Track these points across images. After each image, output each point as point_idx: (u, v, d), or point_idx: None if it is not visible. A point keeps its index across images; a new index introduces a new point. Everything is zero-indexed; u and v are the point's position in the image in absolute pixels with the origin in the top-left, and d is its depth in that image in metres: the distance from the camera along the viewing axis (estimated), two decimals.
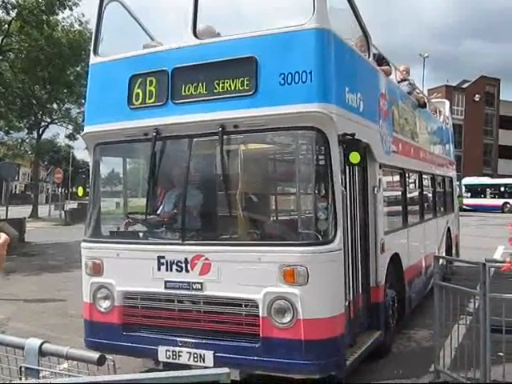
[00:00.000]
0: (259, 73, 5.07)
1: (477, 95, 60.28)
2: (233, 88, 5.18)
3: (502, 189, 47.84)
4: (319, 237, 4.95)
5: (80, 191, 6.26)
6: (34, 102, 39.13)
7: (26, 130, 43.95)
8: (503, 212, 45.24)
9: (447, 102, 13.92)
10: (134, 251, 5.54)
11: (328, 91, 5.01)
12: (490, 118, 66.57)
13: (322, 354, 4.90)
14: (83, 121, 28.80)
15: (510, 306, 5.10)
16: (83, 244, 5.92)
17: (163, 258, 5.30)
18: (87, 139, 6.00)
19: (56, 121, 47.20)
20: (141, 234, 5.90)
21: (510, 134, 67.59)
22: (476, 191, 47.33)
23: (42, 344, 2.75)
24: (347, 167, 5.42)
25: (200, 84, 5.33)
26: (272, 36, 5.16)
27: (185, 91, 5.39)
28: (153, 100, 5.56)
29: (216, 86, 5.26)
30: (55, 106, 44.37)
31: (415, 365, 6.24)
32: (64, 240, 24.46)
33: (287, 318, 4.85)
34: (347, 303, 5.30)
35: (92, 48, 6.06)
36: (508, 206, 46.50)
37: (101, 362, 2.64)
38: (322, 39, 5.01)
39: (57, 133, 52.57)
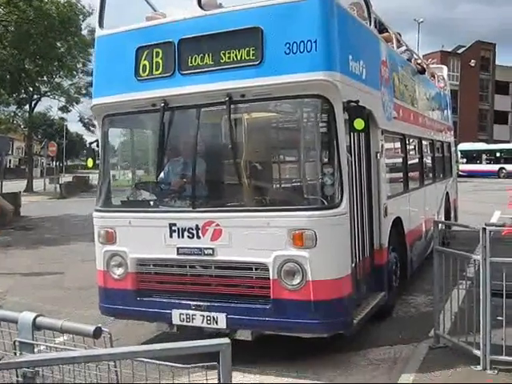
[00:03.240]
0: (265, 43, 5.21)
1: (472, 60, 60.09)
2: (239, 58, 5.32)
3: (498, 154, 48.07)
4: (326, 201, 5.16)
5: (90, 162, 6.45)
6: (24, 75, 38.79)
7: (17, 105, 43.79)
8: (499, 177, 45.51)
9: (445, 68, 14.08)
10: (145, 219, 5.76)
11: (332, 59, 5.17)
12: (485, 83, 66.56)
13: (331, 313, 5.16)
14: (75, 93, 28.66)
15: (510, 270, 5.08)
16: (95, 214, 6.13)
17: (175, 225, 5.51)
18: (95, 111, 6.16)
19: (48, 93, 46.98)
20: (152, 203, 6.09)
21: (505, 99, 67.74)
22: (472, 157, 47.57)
23: (35, 318, 2.70)
24: (351, 133, 5.59)
25: (206, 55, 5.46)
26: (277, 6, 5.29)
27: (191, 62, 5.53)
28: (160, 71, 5.70)
29: (222, 56, 5.39)
30: (45, 79, 44.12)
31: (415, 329, 6.33)
32: (59, 213, 24.69)
33: (297, 280, 5.08)
34: (353, 265, 5.54)
35: (97, 21, 6.15)
36: (504, 171, 46.75)
37: (97, 334, 2.60)
38: (326, 8, 5.15)
39: (49, 106, 52.02)
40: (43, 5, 32.03)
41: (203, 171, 5.72)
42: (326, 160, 5.22)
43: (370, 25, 6.55)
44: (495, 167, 47.32)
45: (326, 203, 5.15)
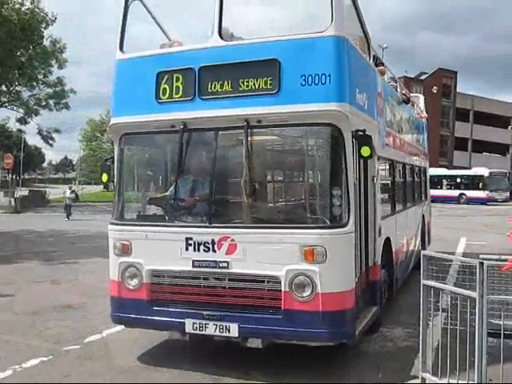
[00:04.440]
0: (282, 74, 5.82)
1: (434, 87, 62.36)
2: (257, 86, 5.91)
3: (458, 180, 50.12)
4: (335, 221, 5.77)
5: (104, 177, 6.93)
6: None
7: None
8: (459, 203, 47.45)
9: (421, 97, 15.12)
10: (162, 233, 6.24)
11: (344, 92, 5.81)
12: (446, 109, 69.21)
13: (337, 323, 5.74)
14: (35, 104, 28.64)
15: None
16: (111, 227, 6.58)
17: (191, 239, 6.02)
18: (114, 130, 6.66)
19: (6, 104, 46.45)
20: (168, 218, 6.55)
21: (465, 126, 70.52)
22: (433, 182, 49.14)
23: None
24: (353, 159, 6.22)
25: (226, 82, 6.04)
26: (294, 41, 5.92)
27: (211, 88, 6.09)
28: (180, 95, 6.24)
29: (241, 84, 5.97)
30: (4, 88, 43.68)
31: (394, 367, 6.13)
32: (13, 229, 24.49)
33: (307, 292, 5.65)
34: (356, 280, 6.14)
35: (118, 45, 6.65)
36: (464, 197, 48.76)
37: None
38: (339, 46, 5.80)
39: (7, 117, 51.43)
40: (3, 10, 31.86)
41: (220, 189, 6.27)
42: (335, 183, 5.83)
43: (370, 59, 7.28)
44: (455, 193, 49.30)
45: (335, 222, 5.76)
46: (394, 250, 8.10)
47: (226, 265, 5.91)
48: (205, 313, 5.98)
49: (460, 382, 5.01)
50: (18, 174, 57.69)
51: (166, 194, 6.60)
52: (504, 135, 74.21)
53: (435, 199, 46.22)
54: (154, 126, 6.36)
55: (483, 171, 49.10)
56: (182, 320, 6.04)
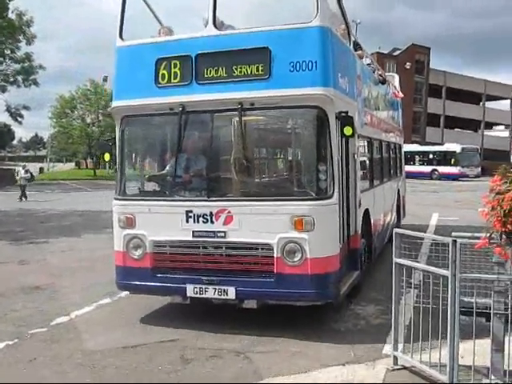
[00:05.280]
0: (272, 61, 6.53)
1: (407, 63, 63.31)
2: (249, 72, 6.62)
3: (431, 156, 51.47)
4: (322, 193, 6.54)
5: (106, 157, 7.58)
6: None
7: None
8: (432, 179, 48.82)
9: (396, 76, 15.97)
10: (164, 207, 6.96)
11: (328, 77, 6.55)
12: (419, 86, 70.37)
13: (324, 285, 6.56)
14: (2, 80, 29.37)
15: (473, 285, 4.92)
16: (115, 202, 7.26)
17: (191, 212, 6.75)
18: (116, 112, 7.30)
19: None
20: (169, 193, 7.25)
21: (437, 102, 71.88)
22: (406, 158, 50.25)
23: None
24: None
25: (221, 68, 6.73)
26: (283, 31, 6.63)
27: (207, 73, 6.78)
28: (178, 80, 6.91)
29: (235, 70, 6.67)
30: None
31: (367, 345, 6.20)
32: None
33: (297, 257, 6.44)
34: (340, 246, 6.96)
35: (118, 32, 7.27)
36: (436, 173, 50.17)
37: None
38: (324, 35, 6.53)
39: None
40: None
41: (216, 166, 7.02)
42: (321, 159, 6.59)
43: (350, 45, 8.02)
44: (428, 169, 50.65)
45: (321, 195, 6.54)
46: (372, 221, 8.94)
47: (223, 234, 6.66)
48: (204, 278, 6.74)
49: (432, 360, 5.11)
50: None
51: (167, 170, 7.29)
52: (476, 111, 75.99)
53: (408, 175, 46.68)
54: (153, 109, 7.02)
55: (455, 147, 50.44)
56: (184, 285, 6.80)
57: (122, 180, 7.38)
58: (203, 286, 6.74)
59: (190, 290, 6.79)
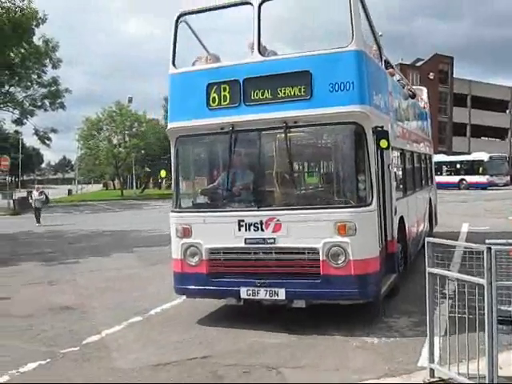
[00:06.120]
0: (313, 82, 7.33)
1: (431, 73, 64.00)
2: (293, 94, 7.43)
3: (458, 166, 51.64)
4: (362, 201, 7.30)
5: (163, 173, 8.47)
6: None
7: None
8: (459, 189, 48.98)
9: (424, 89, 16.75)
10: (218, 217, 7.78)
11: (364, 96, 7.33)
12: (443, 96, 70.83)
13: (366, 284, 7.29)
14: (30, 105, 30.03)
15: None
16: (172, 214, 8.11)
17: (243, 221, 7.55)
18: (171, 133, 8.15)
19: (1, 105, 47.57)
20: (222, 204, 8.07)
21: (463, 111, 72.17)
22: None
23: None
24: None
25: (266, 90, 7.55)
26: (322, 55, 7.44)
27: (254, 96, 7.61)
28: (227, 102, 7.74)
29: (279, 92, 7.49)
30: None
31: (402, 358, 6.20)
32: (11, 231, 25.19)
33: (341, 260, 7.17)
34: (380, 249, 7.68)
35: (171, 60, 8.15)
36: (464, 182, 50.32)
37: None
38: (360, 58, 7.32)
39: (3, 118, 52.50)
40: None
41: (264, 179, 7.85)
42: (360, 171, 7.36)
43: (382, 64, 8.82)
44: (456, 179, 50.75)
45: (362, 202, 7.29)
46: (406, 227, 9.65)
47: (273, 241, 7.43)
48: (256, 281, 7.51)
49: (469, 371, 4.99)
50: (16, 175, 59.03)
51: (219, 184, 8.13)
52: (502, 119, 76.08)
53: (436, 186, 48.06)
54: (205, 129, 7.87)
55: (483, 156, 50.53)
56: (237, 288, 7.58)
57: (178, 194, 8.23)
58: (255, 289, 7.50)
59: (244, 292, 7.56)
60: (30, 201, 31.11)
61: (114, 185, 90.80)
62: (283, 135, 7.46)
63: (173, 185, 8.28)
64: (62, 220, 31.55)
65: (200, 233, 7.82)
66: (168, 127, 8.24)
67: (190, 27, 8.69)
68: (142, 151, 64.93)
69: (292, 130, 7.55)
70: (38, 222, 28.15)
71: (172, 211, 8.16)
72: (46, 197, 31.45)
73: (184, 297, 8.94)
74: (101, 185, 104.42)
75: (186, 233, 7.91)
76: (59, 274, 13.05)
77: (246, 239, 7.56)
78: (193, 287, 7.95)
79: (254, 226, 7.51)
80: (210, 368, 6.21)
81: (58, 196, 63.33)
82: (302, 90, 7.39)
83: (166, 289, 10.03)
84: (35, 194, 29.67)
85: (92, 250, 17.27)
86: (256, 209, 7.61)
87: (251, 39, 7.75)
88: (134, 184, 72.12)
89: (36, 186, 35.51)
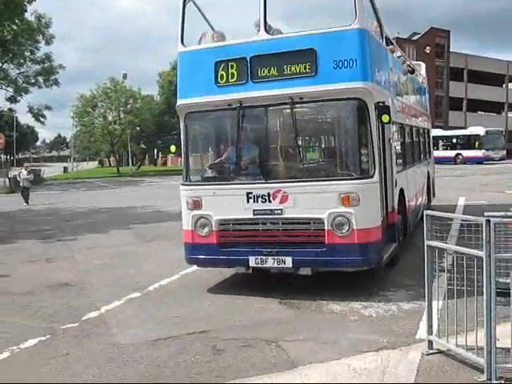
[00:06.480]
0: (318, 60, 7.69)
1: (427, 47, 64.05)
2: (298, 71, 7.79)
3: (454, 140, 52.14)
4: (365, 173, 7.72)
5: (172, 148, 8.86)
6: None
7: None
8: (455, 163, 49.55)
9: (423, 65, 17.11)
10: (227, 190, 8.18)
11: (367, 73, 7.71)
12: (440, 70, 70.96)
13: (369, 252, 7.74)
14: (23, 82, 30.20)
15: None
16: (183, 187, 8.52)
17: (251, 193, 7.96)
18: (181, 110, 8.52)
19: None
20: (231, 178, 8.48)
21: (459, 85, 72.36)
22: None
23: None
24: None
25: (272, 68, 7.90)
26: (326, 33, 7.80)
27: (261, 73, 7.96)
28: (235, 79, 8.10)
29: (285, 69, 7.85)
30: None
31: (400, 331, 6.29)
32: (7, 209, 25.35)
33: (345, 229, 7.60)
34: (381, 219, 8.13)
35: (179, 39, 8.49)
36: (460, 157, 50.87)
37: None
38: (363, 36, 7.68)
39: None
40: None
41: (271, 153, 8.25)
42: (363, 144, 7.78)
43: (383, 41, 9.18)
44: (452, 153, 51.28)
45: (364, 174, 7.71)
46: (406, 199, 10.10)
47: (280, 212, 7.86)
48: (264, 250, 7.95)
49: (468, 343, 5.06)
50: (11, 154, 59.14)
51: (228, 158, 8.53)
52: (498, 93, 76.36)
53: None
54: (213, 105, 8.24)
55: (479, 130, 50.99)
56: (246, 257, 8.02)
57: (188, 168, 8.64)
58: (263, 257, 7.94)
59: (252, 261, 8.00)
60: (18, 179, 30.29)
61: (109, 162, 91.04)
62: (289, 111, 7.84)
63: (183, 159, 8.67)
64: (58, 197, 31.82)
65: (210, 205, 8.23)
66: (177, 104, 8.59)
67: (196, 6, 9.01)
68: (138, 128, 65.12)
69: (297, 105, 7.92)
70: (27, 202, 27.53)
71: (182, 184, 8.56)
72: (38, 175, 29.33)
73: (181, 272, 9.44)
74: (96, 162, 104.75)
75: (196, 205, 8.32)
76: (57, 252, 13.16)
77: (254, 210, 7.97)
78: (203, 257, 8.39)
79: (262, 197, 7.92)
80: (209, 342, 6.28)
81: (53, 174, 63.58)
82: (307, 67, 7.75)
83: (164, 265, 10.60)
84: (24, 172, 28.71)
85: (89, 227, 17.47)
86: (263, 181, 8.02)
87: (257, 18, 8.09)
88: (130, 161, 72.32)
89: (25, 164, 34.37)
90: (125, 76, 64.42)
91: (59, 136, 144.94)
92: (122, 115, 64.12)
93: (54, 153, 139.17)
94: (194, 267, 9.38)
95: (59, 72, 50.29)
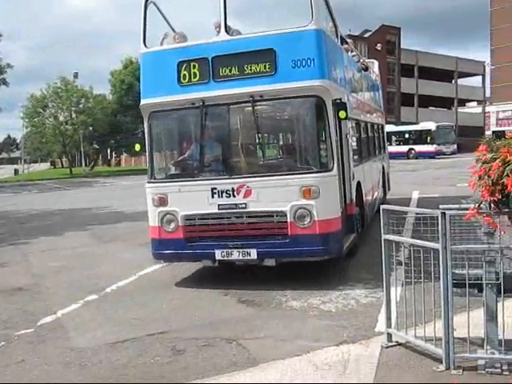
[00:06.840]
0: (277, 59, 8.07)
1: (378, 44, 65.14)
2: (258, 70, 8.16)
3: (407, 135, 53.55)
4: (324, 167, 8.15)
5: (137, 147, 9.08)
6: None
7: None
8: (408, 158, 50.87)
9: (376, 62, 17.75)
10: (192, 186, 8.49)
11: (324, 71, 8.14)
12: (391, 66, 72.50)
13: (330, 242, 8.17)
14: None
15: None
16: (148, 184, 8.79)
17: (216, 188, 8.29)
18: (144, 109, 8.79)
19: None
20: (195, 174, 8.77)
21: (410, 81, 74.13)
22: None
23: None
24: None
25: (233, 67, 8.26)
26: (285, 34, 8.19)
27: (222, 72, 8.31)
28: (197, 79, 8.42)
29: (246, 68, 8.21)
30: None
31: (359, 325, 6.39)
32: None
33: (307, 221, 8.01)
34: (341, 210, 8.58)
35: (142, 41, 8.76)
36: (413, 152, 52.24)
37: None
38: (319, 36, 8.11)
39: None
40: None
41: (234, 150, 8.62)
42: (322, 139, 8.21)
43: (338, 41, 9.65)
44: (404, 148, 52.68)
45: (324, 168, 8.14)
46: (363, 191, 10.61)
47: (244, 205, 8.22)
48: (230, 243, 8.29)
49: (426, 334, 5.22)
50: None
51: (192, 156, 8.84)
52: (448, 89, 78.54)
53: None
54: (177, 104, 8.54)
55: (430, 125, 52.54)
56: (212, 251, 8.35)
57: (153, 166, 8.91)
58: (229, 250, 8.28)
59: (218, 254, 8.33)
60: None
61: (62, 163, 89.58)
62: (250, 109, 8.22)
63: (147, 158, 8.94)
64: (10, 200, 31.22)
65: (176, 201, 8.53)
66: (141, 103, 8.85)
67: (157, 7, 9.29)
68: (90, 128, 64.42)
69: (258, 103, 8.30)
70: None
71: (148, 182, 8.83)
72: None
73: (139, 274, 9.66)
74: (48, 163, 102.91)
75: (162, 202, 8.60)
76: (10, 256, 12.80)
77: (219, 205, 8.31)
78: (170, 252, 8.69)
79: (226, 192, 8.26)
80: (169, 343, 6.25)
81: (4, 176, 62.22)
82: (267, 66, 8.13)
83: (121, 266, 10.65)
84: None
85: (43, 230, 17.09)
86: (228, 177, 8.36)
87: (217, 19, 8.43)
88: (83, 161, 71.42)
89: None
90: (76, 75, 63.65)
91: (9, 137, 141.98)
92: (73, 115, 63.27)
93: (4, 155, 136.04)
94: (152, 267, 9.64)
95: (7, 71, 49.53)
